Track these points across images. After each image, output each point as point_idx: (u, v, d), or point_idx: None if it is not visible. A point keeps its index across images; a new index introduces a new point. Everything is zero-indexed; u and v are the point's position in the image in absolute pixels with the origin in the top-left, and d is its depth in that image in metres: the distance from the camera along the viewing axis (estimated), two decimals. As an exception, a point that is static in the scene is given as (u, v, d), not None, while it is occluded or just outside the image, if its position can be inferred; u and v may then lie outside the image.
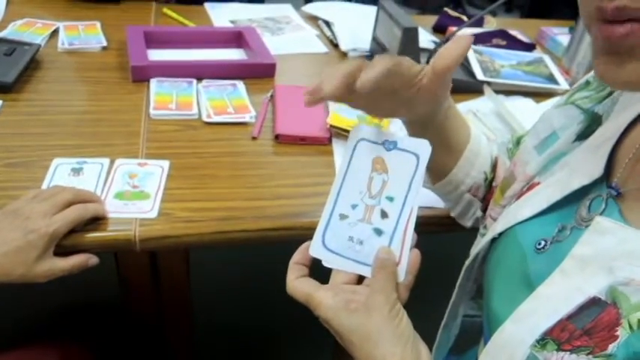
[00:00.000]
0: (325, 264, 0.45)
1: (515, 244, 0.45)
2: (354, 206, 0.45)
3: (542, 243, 0.42)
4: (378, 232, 0.44)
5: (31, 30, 1.01)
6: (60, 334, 0.73)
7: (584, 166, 0.42)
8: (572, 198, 0.42)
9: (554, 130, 0.49)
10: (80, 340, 0.72)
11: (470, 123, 0.58)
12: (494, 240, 0.48)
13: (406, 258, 0.43)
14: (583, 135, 0.46)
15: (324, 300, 0.41)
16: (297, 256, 0.45)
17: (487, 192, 0.60)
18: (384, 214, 0.44)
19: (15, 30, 1.01)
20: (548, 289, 0.38)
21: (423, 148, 0.44)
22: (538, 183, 0.47)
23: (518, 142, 0.59)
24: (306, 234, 0.59)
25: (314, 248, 0.45)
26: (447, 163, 0.57)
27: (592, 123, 0.46)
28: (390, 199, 0.44)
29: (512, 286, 0.43)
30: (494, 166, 0.60)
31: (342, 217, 0.45)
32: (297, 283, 0.43)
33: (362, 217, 0.45)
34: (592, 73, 0.50)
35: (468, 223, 0.64)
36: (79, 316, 0.78)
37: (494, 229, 0.48)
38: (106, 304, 0.80)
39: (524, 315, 0.38)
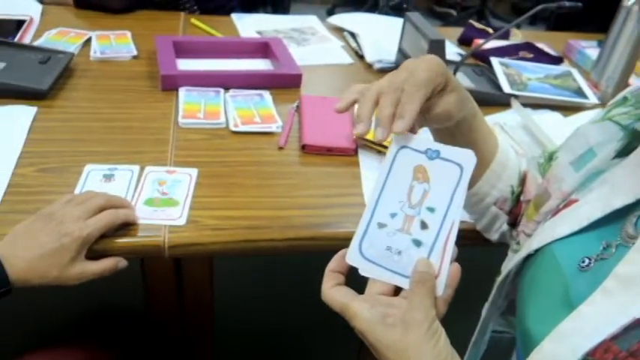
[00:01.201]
0: (362, 273, 0.44)
1: (552, 262, 0.44)
2: (393, 215, 0.44)
3: (587, 261, 0.41)
4: (417, 243, 0.43)
5: (64, 39, 1.04)
6: (85, 338, 0.74)
7: (626, 184, 0.41)
8: (613, 215, 0.41)
9: (591, 146, 0.48)
10: (105, 344, 0.73)
11: (497, 136, 0.58)
12: (527, 256, 0.48)
13: (446, 271, 0.42)
14: (623, 152, 0.45)
15: (359, 312, 0.40)
16: (333, 264, 0.45)
17: (514, 206, 0.60)
18: (423, 225, 0.43)
19: (49, 39, 1.04)
20: (589, 308, 0.37)
21: (468, 158, 0.43)
22: (576, 200, 0.46)
23: (550, 157, 0.58)
24: (331, 244, 0.59)
25: (351, 256, 0.44)
26: (473, 174, 0.57)
27: (633, 140, 0.45)
28: (431, 209, 0.43)
29: (550, 304, 0.43)
30: (522, 181, 0.59)
31: (381, 225, 0.44)
32: (333, 292, 0.42)
33: (401, 227, 0.44)
34: (629, 89, 0.50)
35: (493, 236, 0.63)
36: (103, 321, 0.79)
37: (530, 245, 0.47)
38: (130, 310, 0.81)
39: (564, 334, 0.37)
